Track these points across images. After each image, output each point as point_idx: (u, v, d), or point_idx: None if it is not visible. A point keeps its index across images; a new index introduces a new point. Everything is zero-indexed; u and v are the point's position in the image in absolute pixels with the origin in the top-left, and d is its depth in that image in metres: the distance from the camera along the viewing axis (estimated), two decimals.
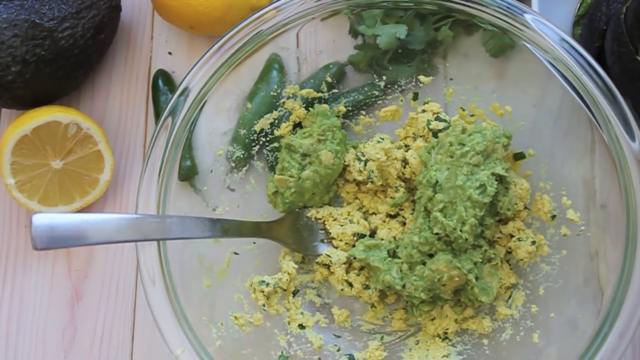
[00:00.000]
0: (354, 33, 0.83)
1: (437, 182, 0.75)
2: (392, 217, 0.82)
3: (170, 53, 0.91)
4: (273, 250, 0.81)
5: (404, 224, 0.81)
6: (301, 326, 0.78)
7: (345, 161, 0.80)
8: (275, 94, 0.81)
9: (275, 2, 0.77)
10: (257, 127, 0.81)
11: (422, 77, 0.82)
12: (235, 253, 0.79)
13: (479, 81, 0.81)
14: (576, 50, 0.72)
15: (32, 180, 0.82)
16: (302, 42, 0.83)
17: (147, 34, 0.93)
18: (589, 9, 0.83)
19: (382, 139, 0.81)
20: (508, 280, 0.78)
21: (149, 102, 0.90)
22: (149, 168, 0.74)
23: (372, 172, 0.79)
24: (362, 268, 0.81)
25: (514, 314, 0.77)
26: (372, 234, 0.81)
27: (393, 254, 0.79)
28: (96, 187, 0.84)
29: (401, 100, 0.83)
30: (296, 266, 0.80)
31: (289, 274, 0.79)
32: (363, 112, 0.84)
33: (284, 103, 0.82)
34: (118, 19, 0.89)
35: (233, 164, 0.81)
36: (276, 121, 0.82)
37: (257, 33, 0.77)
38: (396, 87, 0.83)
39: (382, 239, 0.80)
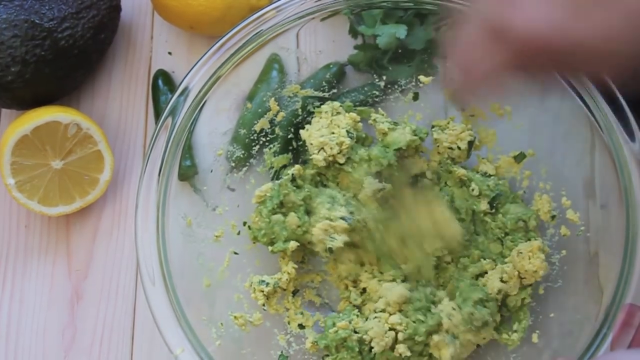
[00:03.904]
0: (354, 33, 0.83)
1: None
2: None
3: (170, 53, 0.91)
4: None
5: None
6: (301, 326, 0.78)
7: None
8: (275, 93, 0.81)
9: (275, 2, 0.77)
10: (257, 127, 0.81)
11: (422, 77, 0.82)
12: (235, 253, 0.79)
13: None
14: None
15: (32, 181, 0.82)
16: (302, 42, 0.83)
17: (147, 34, 0.92)
18: None
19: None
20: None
21: (148, 102, 0.90)
22: (148, 168, 0.74)
23: None
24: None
25: None
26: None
27: None
28: (96, 187, 0.84)
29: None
30: (296, 266, 0.79)
31: (288, 274, 0.78)
32: None
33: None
34: (118, 19, 0.89)
35: (233, 164, 0.81)
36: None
37: (257, 33, 0.77)
38: (396, 87, 0.83)
39: None
